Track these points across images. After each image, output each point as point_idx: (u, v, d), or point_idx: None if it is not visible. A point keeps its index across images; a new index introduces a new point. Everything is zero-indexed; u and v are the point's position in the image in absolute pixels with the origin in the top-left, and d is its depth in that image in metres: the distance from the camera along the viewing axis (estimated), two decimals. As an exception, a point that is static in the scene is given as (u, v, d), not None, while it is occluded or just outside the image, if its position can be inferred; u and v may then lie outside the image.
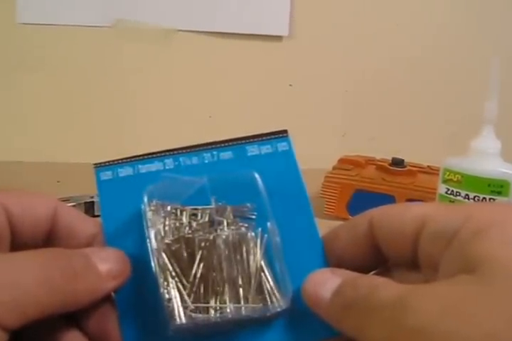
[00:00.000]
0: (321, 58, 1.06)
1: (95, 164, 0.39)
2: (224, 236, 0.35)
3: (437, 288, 0.27)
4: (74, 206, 0.71)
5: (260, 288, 0.34)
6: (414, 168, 0.78)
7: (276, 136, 0.40)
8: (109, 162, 0.39)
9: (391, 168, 0.77)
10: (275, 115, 1.07)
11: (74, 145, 1.04)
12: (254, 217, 0.37)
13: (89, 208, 0.72)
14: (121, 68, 1.03)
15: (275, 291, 0.34)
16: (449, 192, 0.58)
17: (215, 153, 0.39)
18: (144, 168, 0.39)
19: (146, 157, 0.39)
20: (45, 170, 0.95)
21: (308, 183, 0.90)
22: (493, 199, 0.55)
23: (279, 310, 0.33)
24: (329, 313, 0.31)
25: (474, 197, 0.56)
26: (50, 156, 1.00)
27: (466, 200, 0.56)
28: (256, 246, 0.35)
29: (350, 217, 0.77)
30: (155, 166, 0.39)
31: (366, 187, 0.76)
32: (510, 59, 0.85)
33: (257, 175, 0.38)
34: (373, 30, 1.06)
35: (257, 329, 0.34)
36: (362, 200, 0.77)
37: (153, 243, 0.35)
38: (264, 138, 0.40)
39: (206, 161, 0.39)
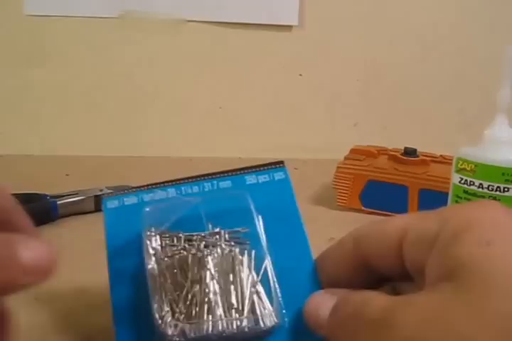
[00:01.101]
0: (331, 47, 1.05)
1: (103, 195, 0.43)
2: (216, 255, 0.37)
3: (420, 299, 0.27)
4: (83, 199, 0.71)
5: (253, 306, 0.35)
6: (427, 158, 0.77)
7: (274, 166, 0.42)
8: (116, 193, 0.42)
9: (403, 157, 0.76)
10: (285, 105, 1.06)
11: (82, 138, 1.04)
12: (248, 242, 0.38)
13: (98, 202, 0.71)
14: (130, 59, 1.02)
15: (267, 308, 0.35)
16: (462, 181, 0.57)
17: (214, 182, 0.42)
18: (147, 197, 0.41)
19: (150, 187, 0.42)
20: (53, 163, 0.95)
21: (320, 174, 0.90)
22: (508, 188, 0.55)
23: (269, 325, 0.34)
24: (329, 333, 0.32)
25: (488, 186, 0.55)
26: (58, 149, 1.00)
27: (480, 190, 0.56)
28: (249, 266, 0.37)
29: (363, 207, 0.76)
30: (158, 195, 0.41)
31: (379, 177, 0.75)
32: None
33: (248, 197, 0.40)
34: (384, 18, 1.05)
35: None
36: (375, 191, 0.76)
37: (148, 262, 0.37)
38: (261, 168, 0.42)
39: (206, 189, 0.41)
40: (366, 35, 1.05)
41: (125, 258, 0.39)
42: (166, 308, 0.35)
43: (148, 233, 0.38)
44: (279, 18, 1.02)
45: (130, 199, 0.41)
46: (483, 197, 0.55)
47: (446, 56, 1.07)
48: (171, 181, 0.42)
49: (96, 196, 0.72)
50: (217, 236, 0.38)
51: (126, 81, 1.03)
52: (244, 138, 1.07)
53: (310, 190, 0.84)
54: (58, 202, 0.69)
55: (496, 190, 0.55)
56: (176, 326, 0.34)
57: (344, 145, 0.83)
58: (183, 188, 0.41)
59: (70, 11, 0.98)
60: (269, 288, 0.36)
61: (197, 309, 0.34)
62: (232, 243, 0.38)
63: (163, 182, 0.42)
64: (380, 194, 0.75)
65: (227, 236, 0.38)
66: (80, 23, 0.99)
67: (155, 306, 0.35)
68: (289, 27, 1.03)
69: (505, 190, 0.55)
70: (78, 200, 0.71)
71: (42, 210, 0.68)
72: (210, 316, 0.34)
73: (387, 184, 0.75)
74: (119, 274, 0.39)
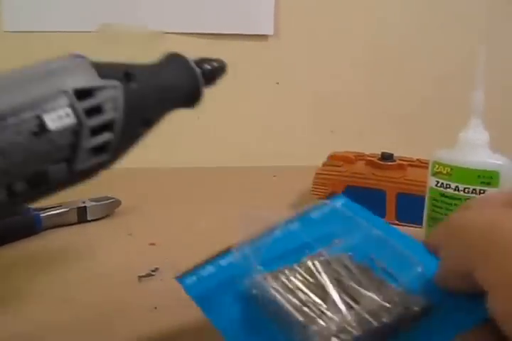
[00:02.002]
0: (306, 56, 1.07)
1: (177, 276, 0.40)
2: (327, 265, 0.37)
3: None
4: (66, 211, 0.71)
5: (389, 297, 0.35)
6: (404, 162, 0.78)
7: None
8: (190, 269, 0.40)
9: (381, 162, 0.77)
10: (262, 113, 1.07)
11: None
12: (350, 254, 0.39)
13: (82, 213, 0.72)
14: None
15: (407, 296, 0.35)
16: (439, 184, 0.58)
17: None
18: (224, 262, 0.40)
19: (223, 252, 0.40)
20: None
21: (299, 181, 0.90)
22: (483, 191, 0.56)
23: (416, 309, 0.34)
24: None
25: (464, 188, 0.56)
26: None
27: (457, 192, 0.57)
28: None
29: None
30: (233, 258, 0.40)
31: (357, 182, 0.76)
32: (497, 48, 0.85)
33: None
34: (358, 27, 1.06)
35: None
36: (353, 196, 0.76)
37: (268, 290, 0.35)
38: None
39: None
40: (341, 43, 1.06)
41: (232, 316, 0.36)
42: (314, 318, 0.33)
43: (260, 275, 0.36)
44: (255, 28, 1.03)
45: (207, 270, 0.39)
46: (459, 199, 0.56)
47: (421, 60, 1.08)
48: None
49: (79, 208, 0.72)
50: (322, 256, 0.39)
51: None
52: (222, 147, 1.07)
53: (289, 196, 0.84)
54: (42, 215, 0.68)
55: (472, 193, 0.56)
56: (334, 335, 0.32)
57: (322, 152, 0.84)
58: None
59: (49, 26, 0.98)
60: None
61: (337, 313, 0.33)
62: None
63: (230, 247, 0.40)
64: (359, 199, 0.75)
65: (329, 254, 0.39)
66: (58, 39, 0.99)
67: (295, 315, 0.33)
68: (264, 36, 1.04)
69: (481, 192, 0.56)
70: (62, 212, 0.70)
71: (26, 223, 0.67)
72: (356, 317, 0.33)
73: (365, 189, 0.75)
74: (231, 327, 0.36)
